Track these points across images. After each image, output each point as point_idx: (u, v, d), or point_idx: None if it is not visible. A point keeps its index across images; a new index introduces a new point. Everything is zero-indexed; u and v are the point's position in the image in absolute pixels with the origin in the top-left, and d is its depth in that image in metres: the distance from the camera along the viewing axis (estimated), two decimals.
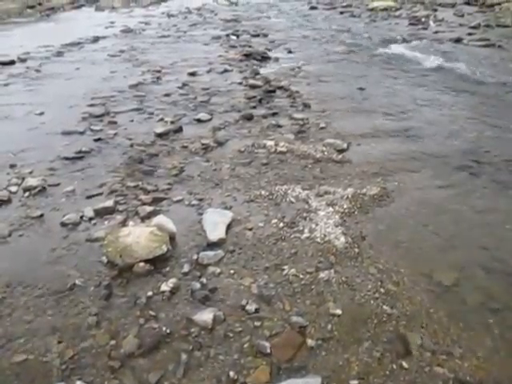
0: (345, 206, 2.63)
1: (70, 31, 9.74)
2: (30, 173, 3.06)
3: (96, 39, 8.46)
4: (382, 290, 2.01)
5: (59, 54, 7.24)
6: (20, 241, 2.37)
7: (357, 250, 2.27)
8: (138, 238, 2.15)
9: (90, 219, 2.51)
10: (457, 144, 3.50)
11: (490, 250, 2.29)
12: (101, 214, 2.54)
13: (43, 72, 6.03)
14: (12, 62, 6.58)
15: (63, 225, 2.47)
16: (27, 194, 2.80)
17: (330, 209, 2.61)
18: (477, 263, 2.20)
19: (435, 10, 11.07)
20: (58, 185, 2.91)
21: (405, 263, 2.19)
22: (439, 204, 2.71)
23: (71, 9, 16.10)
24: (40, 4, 15.84)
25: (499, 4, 11.26)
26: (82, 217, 2.52)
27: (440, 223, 2.52)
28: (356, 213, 2.60)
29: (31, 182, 2.89)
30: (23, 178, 2.97)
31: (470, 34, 7.93)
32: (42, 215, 2.57)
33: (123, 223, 2.46)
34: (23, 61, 6.70)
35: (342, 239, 2.34)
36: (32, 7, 15.23)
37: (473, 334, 1.80)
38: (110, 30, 9.67)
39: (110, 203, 2.61)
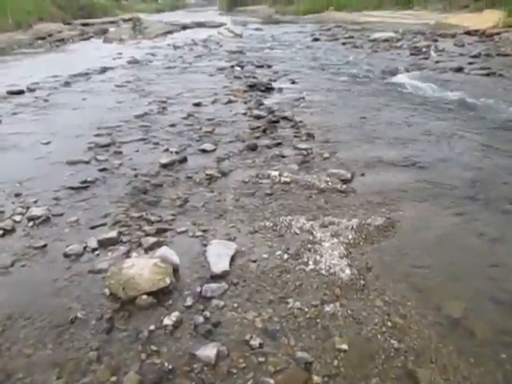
0: (350, 237, 2.61)
1: (78, 62, 9.99)
2: (35, 202, 3.07)
3: (103, 70, 8.66)
4: (389, 324, 1.96)
5: (67, 84, 7.41)
6: (22, 271, 2.35)
7: (362, 282, 2.24)
8: (142, 269, 2.13)
9: (94, 250, 2.49)
10: (462, 174, 3.49)
11: (498, 281, 2.25)
12: (104, 244, 2.52)
13: (51, 102, 6.15)
14: (21, 92, 6.73)
15: (66, 255, 2.45)
16: (31, 223, 2.80)
17: (335, 240, 2.58)
18: (486, 295, 2.16)
19: (435, 41, 11.29)
20: (62, 215, 2.91)
21: (412, 295, 2.15)
22: (446, 234, 2.68)
23: (80, 40, 16.55)
24: (50, 35, 16.31)
25: (498, 34, 11.49)
26: (85, 248, 2.51)
27: (447, 254, 2.49)
28: (361, 244, 2.57)
29: (35, 211, 2.90)
30: (28, 208, 2.97)
31: (470, 64, 8.04)
32: (45, 245, 2.56)
33: (127, 254, 2.44)
34: (32, 91, 6.86)
35: (348, 271, 2.31)
36: (42, 38, 15.69)
37: (484, 370, 1.74)
38: (118, 61, 9.90)
39: (113, 234, 2.60)
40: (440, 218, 2.87)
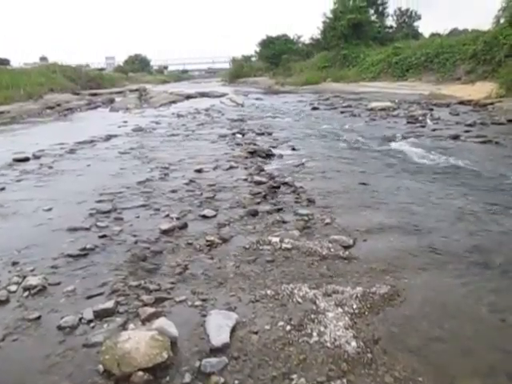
0: (354, 307, 2.52)
1: (84, 130, 10.29)
2: (32, 271, 3.01)
3: (108, 137, 8.88)
4: None
5: (72, 151, 7.56)
6: (13, 346, 2.25)
7: (370, 355, 2.13)
8: (138, 343, 2.03)
9: (89, 322, 2.40)
10: (464, 239, 3.45)
11: None
12: (100, 316, 2.43)
13: (55, 168, 6.24)
14: (26, 159, 6.87)
15: (60, 328, 2.35)
16: (26, 293, 2.72)
17: (339, 309, 2.50)
18: (500, 369, 2.06)
19: (431, 110, 11.67)
20: (58, 284, 2.84)
21: (423, 370, 2.03)
22: (453, 302, 2.60)
23: (88, 109, 17.19)
24: (59, 105, 16.99)
25: (492, 104, 11.92)
26: (80, 319, 2.41)
27: (456, 324, 2.39)
28: (366, 313, 2.48)
29: (32, 280, 2.83)
30: (24, 277, 2.90)
31: (466, 132, 8.25)
32: (39, 317, 2.46)
33: (123, 326, 2.34)
34: (37, 158, 6.99)
35: (354, 343, 2.21)
36: (51, 108, 16.33)
37: None
38: (123, 129, 10.19)
39: (110, 304, 2.51)
40: (446, 285, 2.79)
